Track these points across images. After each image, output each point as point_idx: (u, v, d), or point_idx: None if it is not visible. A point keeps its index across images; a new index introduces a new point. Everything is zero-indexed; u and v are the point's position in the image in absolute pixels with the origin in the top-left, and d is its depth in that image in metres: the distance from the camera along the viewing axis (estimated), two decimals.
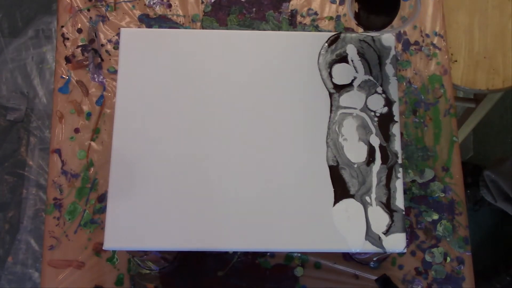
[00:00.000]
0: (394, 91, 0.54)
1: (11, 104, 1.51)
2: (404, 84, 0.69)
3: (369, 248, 0.49)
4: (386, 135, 0.53)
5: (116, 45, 0.69)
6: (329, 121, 0.53)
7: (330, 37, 0.55)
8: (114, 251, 0.63)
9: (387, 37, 0.55)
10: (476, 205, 1.34)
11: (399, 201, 0.51)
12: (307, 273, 0.63)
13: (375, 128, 0.53)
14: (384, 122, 0.53)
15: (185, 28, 0.71)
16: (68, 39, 0.70)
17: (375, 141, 0.52)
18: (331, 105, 0.53)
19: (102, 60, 0.69)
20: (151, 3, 0.72)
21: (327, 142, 0.52)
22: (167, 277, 0.63)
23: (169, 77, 0.54)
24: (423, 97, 0.69)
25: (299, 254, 0.63)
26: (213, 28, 0.71)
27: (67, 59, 0.69)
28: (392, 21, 0.47)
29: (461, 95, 1.42)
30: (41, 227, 1.41)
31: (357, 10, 0.47)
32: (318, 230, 0.49)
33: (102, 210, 0.64)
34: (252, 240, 0.49)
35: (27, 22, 1.58)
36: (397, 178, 0.51)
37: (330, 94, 0.54)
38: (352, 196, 0.51)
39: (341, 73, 0.54)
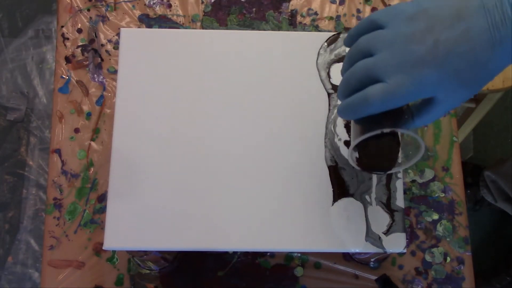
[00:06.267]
0: None
1: (11, 104, 1.51)
2: None
3: (369, 248, 0.49)
4: None
5: (116, 45, 0.69)
6: (327, 121, 0.53)
7: (330, 37, 0.55)
8: (114, 251, 0.63)
9: None
10: (476, 205, 1.34)
11: (399, 201, 0.51)
12: (307, 273, 0.63)
13: None
14: None
15: (185, 28, 0.71)
16: (68, 39, 0.70)
17: None
18: (329, 105, 0.53)
19: (102, 60, 0.69)
20: (151, 3, 0.72)
21: (325, 142, 0.52)
22: (167, 277, 0.63)
23: (169, 77, 0.54)
24: None
25: (299, 254, 0.63)
26: (213, 28, 0.71)
27: (67, 59, 0.69)
28: (396, 160, 0.44)
29: None
30: (41, 227, 1.41)
31: (357, 157, 0.44)
32: (318, 230, 0.49)
33: (102, 210, 0.64)
34: (252, 240, 0.49)
35: (27, 22, 1.58)
36: (397, 178, 0.51)
37: (329, 94, 0.54)
38: (352, 195, 0.51)
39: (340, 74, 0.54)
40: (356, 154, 0.44)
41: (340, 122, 0.53)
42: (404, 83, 0.36)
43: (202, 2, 0.72)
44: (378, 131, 0.38)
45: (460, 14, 0.35)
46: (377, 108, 0.37)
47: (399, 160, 0.45)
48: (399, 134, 0.43)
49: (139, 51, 0.54)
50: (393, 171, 0.44)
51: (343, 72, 0.41)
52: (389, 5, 0.72)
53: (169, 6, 0.72)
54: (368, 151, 0.43)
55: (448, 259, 0.64)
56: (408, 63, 0.36)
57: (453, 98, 0.38)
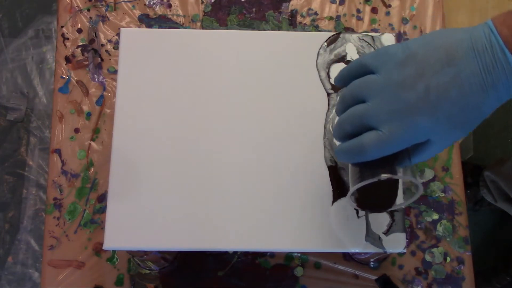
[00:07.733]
0: None
1: (11, 104, 1.51)
2: None
3: (369, 248, 0.49)
4: None
5: (116, 45, 0.69)
6: (325, 121, 0.53)
7: (330, 37, 0.55)
8: (114, 251, 0.63)
9: (387, 37, 0.55)
10: (476, 205, 1.34)
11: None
12: (307, 273, 0.63)
13: None
14: None
15: (185, 28, 0.71)
16: (68, 39, 0.70)
17: None
18: (328, 105, 0.53)
19: (102, 60, 0.69)
20: (151, 3, 0.72)
21: (324, 142, 0.52)
22: (167, 277, 0.63)
23: (169, 77, 0.54)
24: None
25: (299, 254, 0.63)
26: (213, 28, 0.71)
27: (67, 59, 0.69)
28: (395, 197, 0.45)
29: None
30: (41, 227, 1.41)
31: (357, 197, 0.44)
32: (318, 230, 0.49)
33: (102, 210, 0.64)
34: (252, 240, 0.49)
35: (27, 22, 1.58)
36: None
37: (328, 94, 0.54)
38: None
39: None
40: (356, 195, 0.44)
41: None
42: (397, 131, 0.36)
43: (202, 2, 0.72)
44: (375, 179, 0.39)
45: (450, 58, 0.35)
46: (373, 155, 0.38)
47: (400, 193, 0.45)
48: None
49: (139, 51, 0.54)
50: (392, 208, 0.45)
51: (337, 113, 0.41)
52: (389, 5, 0.72)
53: (169, 6, 0.72)
54: (367, 192, 0.44)
55: (448, 259, 0.64)
56: (400, 111, 0.36)
57: (447, 139, 0.38)
